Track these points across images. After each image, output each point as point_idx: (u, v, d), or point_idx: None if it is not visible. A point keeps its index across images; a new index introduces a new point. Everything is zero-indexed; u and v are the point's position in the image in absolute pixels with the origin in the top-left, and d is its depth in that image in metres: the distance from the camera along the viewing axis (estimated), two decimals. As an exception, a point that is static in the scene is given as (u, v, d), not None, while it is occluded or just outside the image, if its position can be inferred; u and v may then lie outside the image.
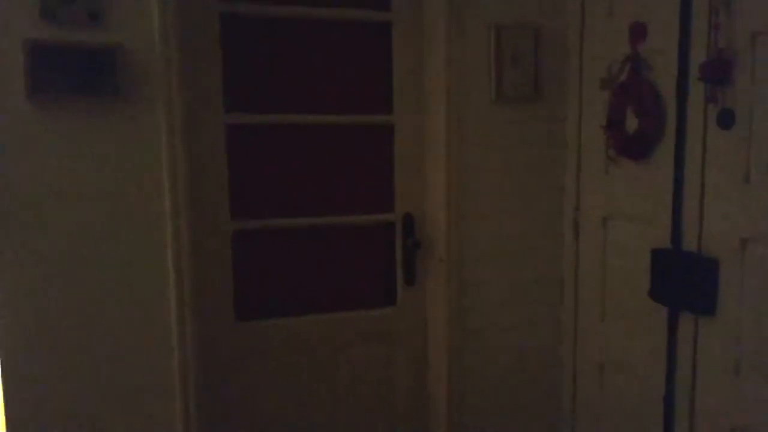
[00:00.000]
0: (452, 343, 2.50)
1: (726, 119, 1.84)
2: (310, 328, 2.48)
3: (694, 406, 2.02)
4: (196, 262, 2.16)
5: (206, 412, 2.25)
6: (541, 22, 2.46)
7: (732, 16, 1.82)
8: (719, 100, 1.85)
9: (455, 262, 2.47)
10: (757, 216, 1.79)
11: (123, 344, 2.08)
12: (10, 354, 1.99)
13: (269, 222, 2.42)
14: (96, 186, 2.01)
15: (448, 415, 2.53)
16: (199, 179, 2.22)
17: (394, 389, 2.60)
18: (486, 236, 2.51)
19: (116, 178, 2.03)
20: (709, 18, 1.87)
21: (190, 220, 2.12)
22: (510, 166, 2.50)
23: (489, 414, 2.59)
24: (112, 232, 2.04)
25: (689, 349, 2.02)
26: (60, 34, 1.93)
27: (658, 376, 2.13)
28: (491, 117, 2.46)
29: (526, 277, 2.57)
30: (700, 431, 2.01)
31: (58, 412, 2.04)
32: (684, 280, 2.00)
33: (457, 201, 2.45)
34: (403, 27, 2.47)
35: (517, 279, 2.56)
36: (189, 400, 2.15)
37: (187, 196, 2.10)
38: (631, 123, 2.19)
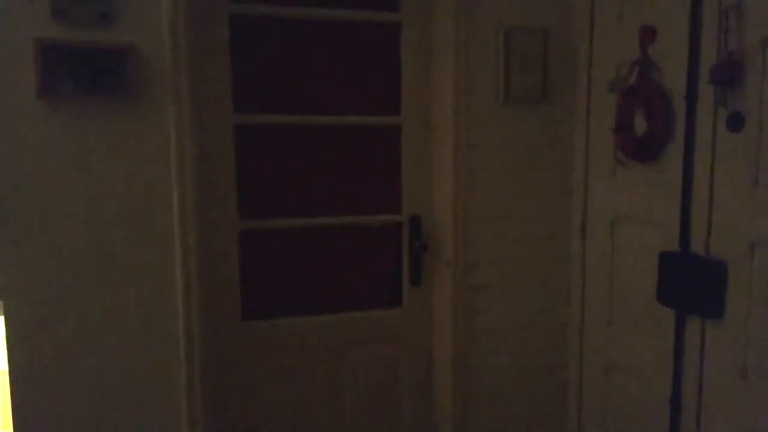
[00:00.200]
0: (458, 345, 2.50)
1: (735, 122, 1.83)
2: (316, 329, 2.48)
3: (700, 410, 2.01)
4: (204, 261, 2.17)
5: (212, 411, 2.26)
6: (550, 25, 2.46)
7: (742, 20, 1.82)
8: (729, 103, 1.85)
9: (462, 263, 2.47)
10: (766, 219, 1.78)
11: (129, 342, 2.09)
12: (17, 351, 2.00)
13: (276, 222, 2.43)
14: (104, 185, 2.02)
15: (453, 417, 2.53)
16: (207, 179, 2.23)
17: (399, 390, 2.60)
18: (493, 238, 2.51)
19: (125, 177, 2.04)
20: (719, 21, 1.87)
21: (198, 219, 2.13)
22: (518, 168, 2.50)
23: (495, 416, 2.59)
24: (119, 231, 2.05)
25: (696, 352, 2.01)
26: (71, 33, 1.94)
27: (665, 380, 2.12)
28: (499, 119, 2.46)
29: (532, 280, 2.57)
30: (707, 435, 2.00)
31: (63, 410, 2.04)
32: (692, 284, 2.00)
33: (465, 203, 2.45)
34: (412, 28, 2.48)
35: (523, 281, 2.56)
36: (194, 399, 2.15)
37: (195, 195, 2.11)
38: (640, 126, 2.19)
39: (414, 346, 2.61)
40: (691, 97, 1.99)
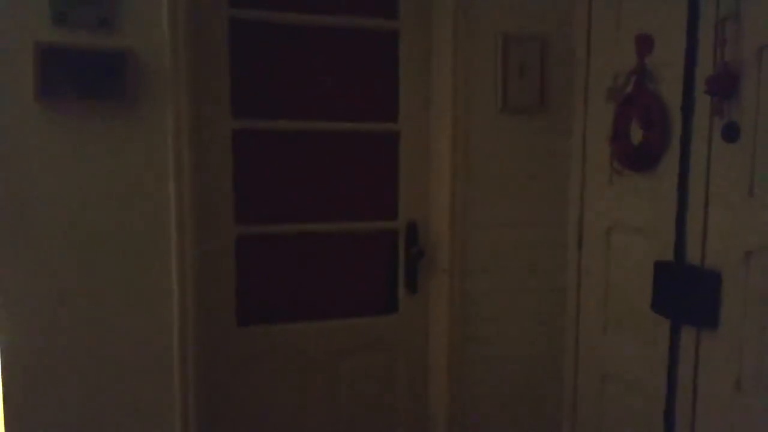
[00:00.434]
0: (453, 352, 2.50)
1: (731, 132, 1.84)
2: (312, 335, 2.48)
3: (695, 419, 2.01)
4: (200, 265, 2.17)
5: (207, 417, 2.25)
6: (548, 33, 2.47)
7: (739, 30, 1.82)
8: (725, 114, 1.85)
9: (458, 271, 2.47)
10: (761, 229, 1.78)
11: (124, 347, 2.09)
12: (10, 356, 2.00)
13: (273, 227, 2.43)
14: (102, 188, 2.03)
15: (449, 425, 2.52)
16: (205, 183, 2.23)
17: (394, 397, 2.60)
18: (489, 246, 2.51)
19: (122, 180, 2.04)
20: (715, 31, 1.88)
21: (195, 224, 2.13)
22: (514, 175, 2.51)
23: (490, 424, 2.58)
24: (116, 235, 2.05)
25: (691, 362, 2.01)
26: (71, 37, 1.95)
27: (660, 389, 2.12)
28: (497, 126, 2.47)
29: (528, 288, 2.57)
30: (701, 445, 2.00)
31: (56, 415, 2.04)
32: (686, 293, 2.00)
33: (461, 210, 2.45)
34: (410, 35, 2.49)
35: (519, 289, 2.56)
36: (189, 404, 2.15)
37: (192, 200, 2.12)
38: (636, 135, 2.19)
39: (410, 352, 2.60)
40: (688, 107, 2.00)
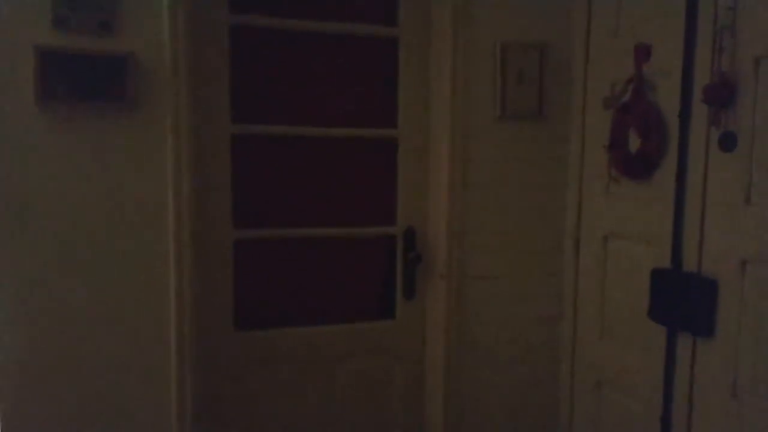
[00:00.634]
0: (450, 358, 2.50)
1: (728, 142, 1.85)
2: (309, 339, 2.48)
3: (691, 427, 2.02)
4: (197, 269, 2.18)
5: (204, 421, 2.25)
6: (546, 41, 2.49)
7: (736, 40, 1.84)
8: (722, 123, 1.87)
9: (455, 276, 2.48)
10: (758, 238, 1.79)
11: (121, 351, 2.09)
12: (5, 359, 1.99)
13: (271, 232, 2.43)
14: (100, 191, 2.03)
15: (445, 430, 2.52)
16: (203, 187, 2.23)
17: (391, 402, 2.60)
18: (487, 252, 2.52)
19: (121, 184, 2.05)
20: (713, 41, 1.89)
21: (193, 228, 2.13)
22: (512, 183, 2.52)
23: (486, 429, 2.58)
24: (115, 238, 2.06)
25: (687, 370, 2.02)
26: (71, 41, 1.95)
27: (656, 397, 2.13)
28: (495, 134, 2.48)
29: (525, 294, 2.57)
30: (696, 453, 2.01)
31: (52, 419, 2.04)
32: (683, 301, 2.01)
33: (459, 216, 2.46)
34: (409, 42, 2.50)
35: (516, 295, 2.56)
36: (186, 408, 2.15)
37: (191, 203, 2.12)
38: (634, 143, 2.20)
39: (406, 358, 2.60)
40: (685, 116, 2.01)
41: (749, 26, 1.81)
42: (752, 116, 1.80)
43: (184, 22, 2.06)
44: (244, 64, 2.32)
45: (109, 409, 2.09)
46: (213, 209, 2.30)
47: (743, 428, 1.85)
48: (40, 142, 1.96)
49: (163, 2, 2.03)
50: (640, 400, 2.23)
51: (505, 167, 2.50)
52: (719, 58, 1.86)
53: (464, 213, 2.46)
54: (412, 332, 2.61)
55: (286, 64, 2.40)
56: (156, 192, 2.08)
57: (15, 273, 1.98)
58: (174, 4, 2.04)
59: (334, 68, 2.47)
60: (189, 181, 2.11)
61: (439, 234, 2.50)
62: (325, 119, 2.46)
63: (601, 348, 2.44)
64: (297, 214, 2.46)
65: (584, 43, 2.47)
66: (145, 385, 2.11)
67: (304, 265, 2.50)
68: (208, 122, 2.25)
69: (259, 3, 2.34)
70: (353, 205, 2.53)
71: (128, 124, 2.04)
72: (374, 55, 2.52)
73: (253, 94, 2.37)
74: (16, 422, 2.01)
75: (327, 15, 2.42)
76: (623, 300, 2.32)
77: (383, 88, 2.52)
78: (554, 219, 2.57)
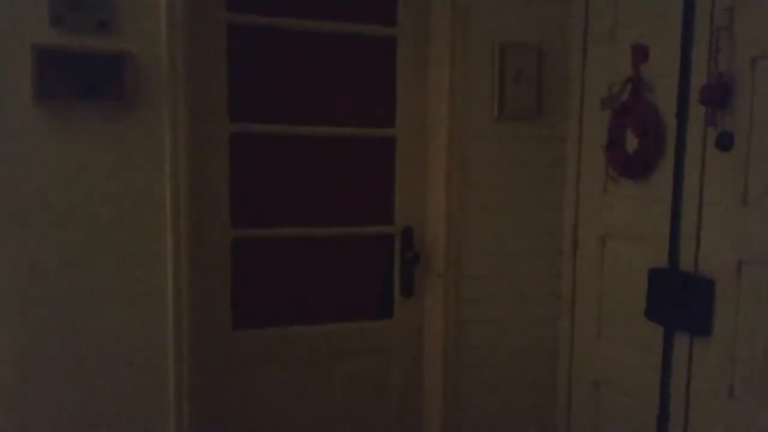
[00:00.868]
0: (447, 357, 2.51)
1: (725, 142, 1.86)
2: (307, 338, 2.48)
3: (688, 426, 2.02)
4: (195, 268, 2.18)
5: (201, 419, 2.25)
6: (545, 42, 2.49)
7: (733, 41, 1.85)
8: (719, 123, 1.87)
9: (453, 276, 2.48)
10: (754, 238, 1.80)
11: (119, 350, 2.09)
12: (3, 358, 1.99)
13: (269, 231, 2.43)
14: (98, 190, 2.03)
15: (442, 429, 2.53)
16: (201, 186, 2.24)
17: (388, 401, 2.60)
18: (484, 252, 2.52)
19: (119, 183, 2.05)
20: (710, 42, 1.90)
21: (191, 227, 2.13)
22: (510, 183, 2.52)
23: (484, 428, 2.59)
24: (112, 237, 2.06)
25: (684, 369, 2.02)
26: (69, 40, 1.96)
27: (653, 396, 2.13)
28: (493, 134, 2.48)
29: (523, 294, 2.58)
30: (693, 452, 2.01)
31: (50, 417, 2.04)
32: (680, 301, 2.01)
33: (457, 216, 2.46)
34: (408, 42, 2.50)
35: (514, 295, 2.57)
36: (184, 407, 2.15)
37: (189, 202, 2.12)
38: (631, 143, 2.21)
39: (404, 357, 2.61)
40: (682, 116, 2.02)
41: (746, 27, 1.81)
42: (749, 116, 1.81)
43: (182, 21, 2.06)
44: (242, 63, 2.33)
45: (106, 408, 2.09)
46: (211, 208, 2.30)
47: (740, 427, 1.86)
48: (38, 140, 1.96)
49: (161, 1, 2.03)
50: (637, 399, 2.23)
51: (503, 167, 2.51)
52: (716, 59, 1.87)
53: (462, 212, 2.47)
54: (410, 331, 2.61)
55: (284, 63, 2.40)
56: (154, 190, 2.08)
57: (12, 271, 1.98)
58: (172, 2, 2.04)
59: (332, 67, 2.47)
60: (187, 179, 2.11)
61: (437, 233, 2.50)
62: (324, 118, 2.46)
63: (598, 347, 2.45)
64: (295, 213, 2.47)
65: (582, 43, 2.47)
66: (143, 383, 2.11)
67: (302, 265, 2.50)
68: (206, 121, 2.25)
69: (257, 2, 2.34)
70: (351, 205, 2.54)
71: (126, 123, 2.04)
72: (373, 54, 2.52)
73: (251, 93, 2.37)
74: (14, 422, 2.01)
75: (325, 14, 2.42)
76: (621, 300, 2.33)
77: (382, 87, 2.52)
78: (552, 219, 2.58)
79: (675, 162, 2.05)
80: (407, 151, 2.54)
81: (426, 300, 2.59)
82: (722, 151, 1.87)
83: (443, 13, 2.41)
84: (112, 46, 1.99)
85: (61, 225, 2.01)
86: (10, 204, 1.96)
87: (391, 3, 2.49)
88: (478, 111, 2.46)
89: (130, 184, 2.06)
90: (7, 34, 1.91)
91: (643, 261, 2.17)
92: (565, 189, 2.57)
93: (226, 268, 2.35)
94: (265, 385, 2.43)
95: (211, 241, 2.30)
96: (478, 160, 2.48)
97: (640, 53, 2.17)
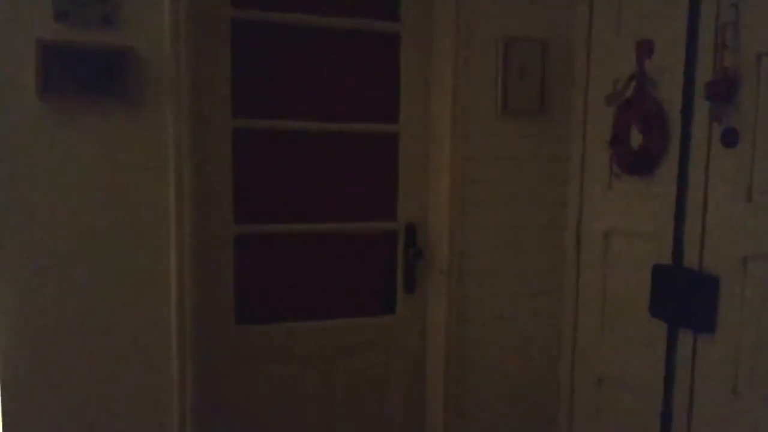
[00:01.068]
0: (450, 354, 2.50)
1: (730, 138, 1.85)
2: (310, 334, 2.48)
3: (691, 423, 2.02)
4: (198, 264, 2.18)
5: (204, 415, 2.25)
6: (549, 37, 2.48)
7: (738, 37, 1.84)
8: (724, 119, 1.87)
9: (456, 272, 2.48)
10: (759, 235, 1.79)
11: (122, 346, 2.09)
12: (8, 356, 2.00)
13: (272, 227, 2.43)
14: (102, 186, 2.03)
15: (445, 426, 2.53)
16: (204, 182, 2.24)
17: (391, 398, 2.60)
18: (488, 248, 2.51)
19: (122, 178, 2.05)
20: (715, 37, 1.89)
21: (194, 223, 2.13)
22: (514, 179, 2.51)
23: (486, 425, 2.59)
24: (115, 233, 2.06)
25: (688, 366, 2.02)
26: (72, 35, 1.95)
27: (657, 393, 2.13)
28: (497, 130, 2.48)
29: (526, 290, 2.57)
30: (697, 449, 2.01)
31: (54, 414, 2.04)
32: (684, 297, 2.01)
33: (460, 212, 2.46)
34: (411, 38, 2.49)
35: (517, 291, 2.56)
36: (187, 402, 2.15)
37: (192, 198, 2.12)
38: (636, 139, 2.20)
39: (407, 353, 2.61)
40: (687, 112, 2.01)
41: (752, 22, 1.80)
42: (754, 112, 1.80)
43: (186, 16, 2.05)
44: (246, 59, 2.32)
45: (109, 404, 2.09)
46: (214, 204, 2.30)
47: (743, 424, 1.85)
48: (42, 135, 1.96)
49: (165, -4, 2.03)
50: (640, 396, 2.23)
51: (507, 163, 2.50)
52: (721, 54, 1.86)
53: (465, 208, 2.46)
54: (413, 327, 2.61)
55: (287, 58, 2.40)
56: (157, 186, 2.08)
57: (16, 266, 1.98)
58: (176, -2, 2.04)
59: (335, 63, 2.47)
60: (190, 175, 2.11)
61: (440, 229, 2.50)
62: (327, 114, 2.46)
63: (602, 344, 2.44)
64: (298, 209, 2.47)
65: (586, 39, 2.46)
66: (146, 379, 2.12)
67: (304, 260, 2.50)
68: (209, 116, 2.25)
69: (260, -3, 2.34)
70: (354, 201, 2.53)
71: (129, 118, 2.04)
72: (376, 50, 2.52)
73: (255, 88, 2.36)
74: (18, 421, 2.01)
75: (329, 10, 2.41)
76: (624, 296, 2.32)
77: (385, 83, 2.52)
78: (555, 215, 2.57)
79: (679, 158, 2.04)
80: (410, 147, 2.53)
81: (429, 296, 2.59)
82: (727, 147, 1.86)
83: (447, 9, 2.40)
84: (116, 41, 1.99)
85: (63, 220, 2.01)
86: (14, 198, 1.96)
87: (394, -2, 2.49)
88: (481, 107, 2.45)
89: (133, 179, 2.06)
90: (12, 29, 1.91)
91: (647, 257, 2.17)
92: (569, 185, 2.56)
93: (229, 264, 2.35)
94: (268, 380, 2.43)
95: (214, 237, 2.30)
96: (481, 156, 2.47)
97: (645, 49, 2.16)
